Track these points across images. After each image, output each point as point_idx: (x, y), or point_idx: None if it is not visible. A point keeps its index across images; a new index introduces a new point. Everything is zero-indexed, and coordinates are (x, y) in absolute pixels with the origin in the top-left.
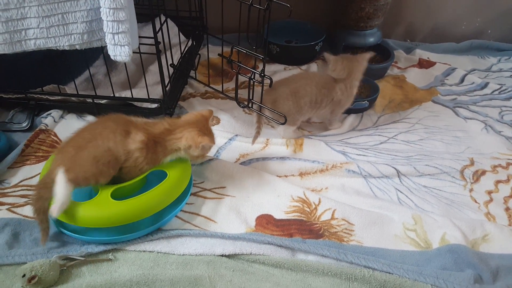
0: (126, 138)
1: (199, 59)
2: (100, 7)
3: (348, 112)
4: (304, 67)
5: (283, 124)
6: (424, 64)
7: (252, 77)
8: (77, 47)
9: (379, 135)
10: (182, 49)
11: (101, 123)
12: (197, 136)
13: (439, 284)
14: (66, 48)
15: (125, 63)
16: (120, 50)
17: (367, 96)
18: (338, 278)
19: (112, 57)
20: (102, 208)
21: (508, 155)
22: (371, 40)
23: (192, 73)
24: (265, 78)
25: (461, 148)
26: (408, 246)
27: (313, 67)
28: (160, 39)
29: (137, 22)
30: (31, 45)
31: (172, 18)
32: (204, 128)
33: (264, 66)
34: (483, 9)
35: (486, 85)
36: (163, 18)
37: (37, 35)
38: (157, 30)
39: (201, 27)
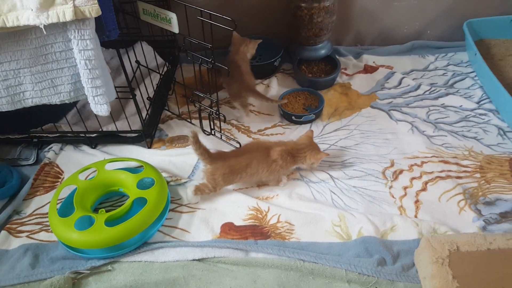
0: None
1: (175, 83)
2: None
3: (299, 124)
4: (266, 81)
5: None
6: (369, 69)
7: (210, 113)
8: (66, 101)
9: (322, 143)
10: (157, 79)
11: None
12: (317, 153)
13: (351, 268)
14: (58, 103)
15: None
16: (100, 108)
17: (315, 107)
18: (279, 269)
19: (95, 113)
20: (98, 234)
21: (426, 153)
22: (323, 52)
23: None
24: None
25: (389, 150)
26: (335, 238)
27: (273, 80)
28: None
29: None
30: (29, 103)
31: (148, 43)
32: (316, 145)
33: (218, 107)
34: (419, 14)
35: (419, 86)
36: (143, 45)
37: (33, 96)
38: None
39: (176, 48)
